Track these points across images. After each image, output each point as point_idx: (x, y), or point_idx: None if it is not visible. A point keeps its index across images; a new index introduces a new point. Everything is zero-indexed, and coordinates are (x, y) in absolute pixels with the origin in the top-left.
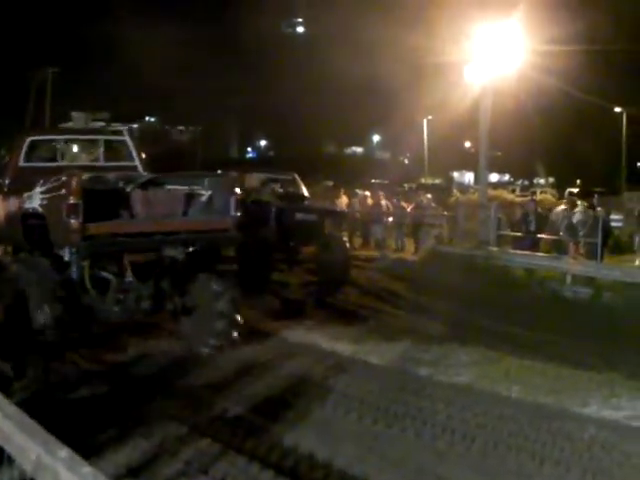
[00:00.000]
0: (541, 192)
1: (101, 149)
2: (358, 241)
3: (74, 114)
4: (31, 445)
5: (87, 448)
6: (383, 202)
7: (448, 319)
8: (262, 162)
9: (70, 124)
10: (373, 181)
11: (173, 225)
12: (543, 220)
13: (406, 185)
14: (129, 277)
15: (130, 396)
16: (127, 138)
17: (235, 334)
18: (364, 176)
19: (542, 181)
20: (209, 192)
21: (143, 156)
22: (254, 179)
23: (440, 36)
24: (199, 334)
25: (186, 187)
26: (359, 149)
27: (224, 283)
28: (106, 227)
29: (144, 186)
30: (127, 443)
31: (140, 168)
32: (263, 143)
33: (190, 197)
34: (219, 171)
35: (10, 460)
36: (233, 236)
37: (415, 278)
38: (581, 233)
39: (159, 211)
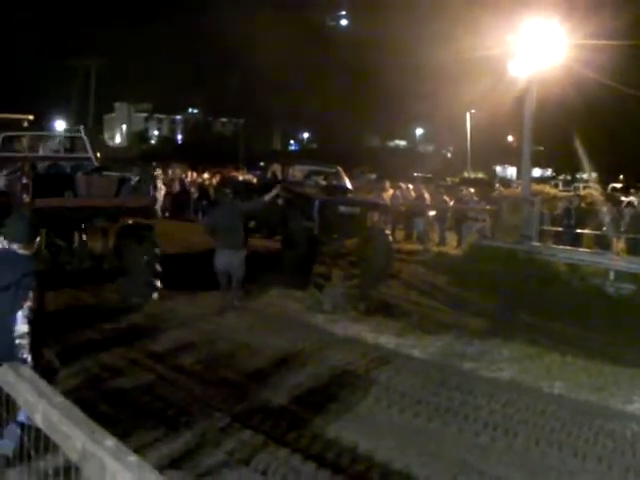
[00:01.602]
0: (584, 187)
1: (60, 144)
2: (401, 234)
3: (117, 105)
4: (77, 434)
5: (131, 438)
6: (426, 195)
7: (491, 314)
8: (304, 155)
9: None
10: (416, 174)
11: (105, 202)
12: (586, 215)
13: (449, 179)
14: (75, 243)
15: (173, 386)
16: (83, 135)
17: (158, 283)
18: (407, 169)
19: (585, 176)
20: (137, 178)
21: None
22: (298, 171)
23: (484, 30)
24: (132, 287)
25: (119, 174)
26: (402, 142)
27: (147, 245)
28: (51, 202)
29: (89, 173)
30: (169, 433)
31: (93, 159)
32: (306, 135)
33: (122, 182)
34: (262, 163)
35: (55, 447)
36: (152, 211)
37: (458, 272)
38: (623, 229)
39: (97, 192)
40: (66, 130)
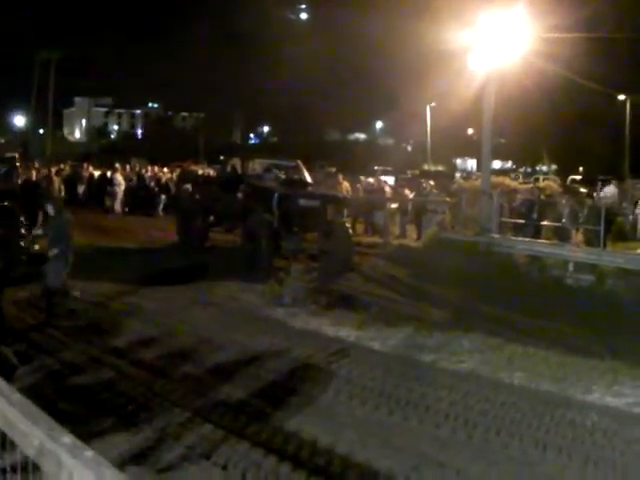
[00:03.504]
0: (544, 179)
1: None
2: (360, 227)
3: (77, 99)
4: (35, 431)
5: (90, 434)
6: (386, 188)
7: (451, 306)
8: (265, 148)
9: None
10: (376, 168)
11: None
12: (546, 207)
13: (409, 172)
14: None
15: (134, 381)
16: None
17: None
18: (368, 162)
19: (545, 168)
20: (6, 168)
21: None
22: (258, 165)
23: (444, 24)
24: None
25: None
26: (362, 135)
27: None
28: None
29: None
30: (129, 429)
31: None
32: (266, 129)
33: None
34: (222, 157)
35: (13, 446)
36: (17, 195)
37: (418, 265)
38: (581, 220)
39: None
40: None
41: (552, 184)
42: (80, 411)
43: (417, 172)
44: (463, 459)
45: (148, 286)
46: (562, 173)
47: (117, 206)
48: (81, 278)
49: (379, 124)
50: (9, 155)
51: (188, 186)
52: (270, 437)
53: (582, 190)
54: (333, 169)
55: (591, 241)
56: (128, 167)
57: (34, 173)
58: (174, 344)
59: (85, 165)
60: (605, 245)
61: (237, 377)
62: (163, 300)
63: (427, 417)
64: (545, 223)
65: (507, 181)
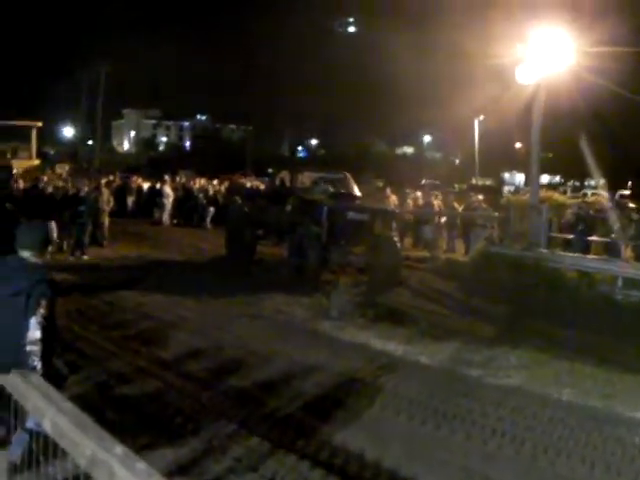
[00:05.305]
0: (592, 194)
1: None
2: (409, 241)
3: (125, 111)
4: (86, 441)
5: (138, 445)
6: (435, 202)
7: (498, 321)
8: (313, 161)
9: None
10: (424, 181)
11: None
12: (595, 222)
13: (457, 185)
14: None
15: (181, 393)
16: None
17: None
18: (415, 176)
19: (593, 182)
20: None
21: None
22: (306, 178)
23: (493, 37)
24: None
25: None
26: (410, 149)
27: None
28: None
29: None
30: (177, 440)
31: None
32: (314, 142)
33: None
34: (270, 170)
35: (64, 454)
36: (16, 199)
37: (466, 279)
38: (631, 235)
39: None
40: None
41: (601, 199)
42: (127, 422)
43: (465, 186)
44: (510, 475)
45: (195, 298)
46: (611, 187)
47: (165, 218)
48: (129, 289)
49: (427, 138)
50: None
51: (237, 198)
52: (317, 450)
53: (631, 205)
54: (380, 182)
55: None
56: (177, 179)
57: (60, 183)
58: (221, 356)
59: (134, 177)
60: None
61: (284, 390)
62: (210, 312)
63: (474, 432)
64: (594, 238)
65: (555, 196)
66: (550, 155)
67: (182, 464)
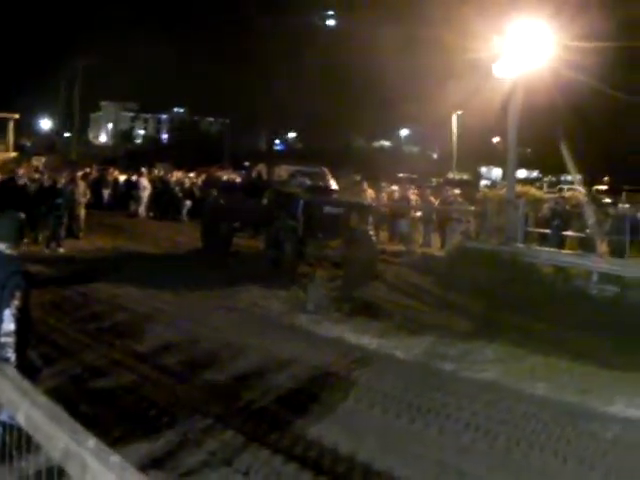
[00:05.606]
0: (569, 189)
1: None
2: (385, 235)
3: (103, 104)
4: (60, 434)
5: (112, 437)
6: (411, 196)
7: (474, 315)
8: (290, 154)
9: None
10: (401, 175)
11: None
12: (571, 217)
13: (434, 180)
14: None
15: (156, 386)
16: None
17: None
18: (392, 170)
19: (570, 177)
20: None
21: None
22: (283, 171)
23: (471, 32)
24: None
25: None
26: (387, 143)
27: None
28: None
29: None
30: (151, 434)
31: None
32: (291, 135)
33: None
34: (247, 163)
35: (38, 447)
36: None
37: (441, 273)
38: (606, 230)
39: None
40: None
41: (577, 194)
42: (102, 415)
43: (441, 180)
44: (484, 468)
45: (171, 290)
46: (587, 183)
47: (142, 210)
48: (104, 281)
49: (404, 132)
50: None
51: (213, 191)
52: (291, 444)
53: (607, 200)
54: (358, 176)
55: (616, 252)
56: (155, 171)
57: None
58: (196, 349)
59: (111, 169)
60: (629, 256)
61: (258, 383)
62: (186, 305)
63: (448, 426)
64: (570, 233)
65: (532, 190)
66: (528, 150)
67: (156, 457)
